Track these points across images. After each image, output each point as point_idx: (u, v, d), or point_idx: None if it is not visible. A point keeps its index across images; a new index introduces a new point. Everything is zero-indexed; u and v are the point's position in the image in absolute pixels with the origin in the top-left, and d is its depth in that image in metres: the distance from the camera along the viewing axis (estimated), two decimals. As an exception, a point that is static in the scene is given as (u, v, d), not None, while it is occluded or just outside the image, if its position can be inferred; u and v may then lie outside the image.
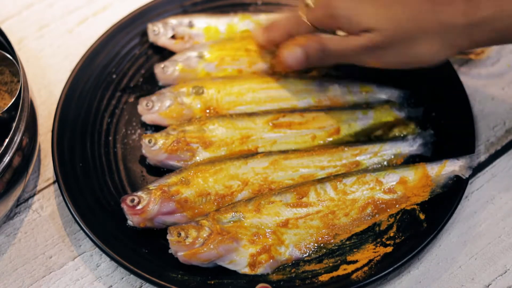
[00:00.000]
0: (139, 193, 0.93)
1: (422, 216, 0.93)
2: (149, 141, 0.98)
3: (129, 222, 0.93)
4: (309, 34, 0.98)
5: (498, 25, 0.88)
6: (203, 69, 1.07)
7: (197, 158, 0.98)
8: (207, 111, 1.03)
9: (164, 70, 1.06)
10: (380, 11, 0.91)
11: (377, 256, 0.90)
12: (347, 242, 0.92)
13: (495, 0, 0.88)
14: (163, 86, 1.07)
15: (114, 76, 1.08)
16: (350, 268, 0.89)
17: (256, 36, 1.06)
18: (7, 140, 0.90)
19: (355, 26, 0.93)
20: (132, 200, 0.92)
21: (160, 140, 0.98)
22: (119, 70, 1.09)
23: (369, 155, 0.99)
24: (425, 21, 0.90)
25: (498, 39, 0.91)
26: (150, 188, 0.94)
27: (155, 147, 0.98)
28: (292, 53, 0.99)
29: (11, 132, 0.90)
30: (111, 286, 0.93)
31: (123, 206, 0.93)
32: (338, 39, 0.96)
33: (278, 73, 1.06)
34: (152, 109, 1.02)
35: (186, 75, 1.06)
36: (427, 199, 0.94)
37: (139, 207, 0.92)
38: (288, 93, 1.04)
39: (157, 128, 1.03)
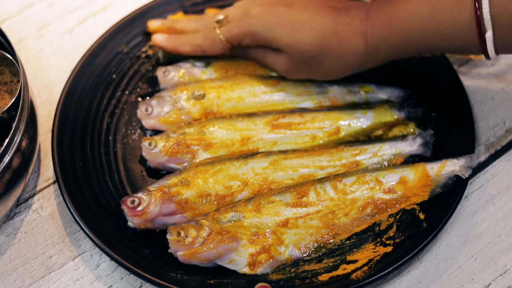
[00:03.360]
0: (139, 195, 0.93)
1: (422, 216, 0.93)
2: (149, 144, 0.98)
3: (130, 224, 0.93)
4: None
5: (393, 42, 0.94)
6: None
7: (198, 160, 0.98)
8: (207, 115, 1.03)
9: (165, 74, 1.06)
10: (290, 35, 0.96)
11: (377, 256, 0.90)
12: (347, 242, 0.92)
13: (388, 19, 0.93)
14: (164, 89, 1.07)
15: (114, 76, 1.09)
16: (350, 267, 0.89)
17: (159, 41, 1.07)
18: (7, 140, 0.90)
19: (269, 45, 0.99)
20: (133, 202, 0.92)
21: (160, 142, 0.98)
22: (119, 70, 1.09)
23: (369, 155, 0.98)
24: (328, 44, 0.95)
25: (396, 54, 0.96)
26: (150, 189, 0.94)
27: (155, 150, 0.98)
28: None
29: (11, 132, 0.90)
30: (111, 286, 0.93)
31: (123, 207, 0.93)
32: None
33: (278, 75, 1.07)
34: (151, 114, 1.02)
35: (186, 83, 1.06)
36: (427, 199, 0.94)
37: (139, 208, 0.92)
38: (288, 96, 1.04)
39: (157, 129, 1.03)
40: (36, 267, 0.95)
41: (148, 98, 1.05)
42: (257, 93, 1.04)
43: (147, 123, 1.03)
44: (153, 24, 1.09)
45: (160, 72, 1.07)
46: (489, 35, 0.88)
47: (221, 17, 1.02)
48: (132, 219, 0.93)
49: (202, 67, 1.07)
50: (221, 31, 1.01)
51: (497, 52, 0.90)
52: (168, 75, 1.06)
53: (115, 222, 0.94)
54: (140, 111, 1.03)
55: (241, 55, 1.05)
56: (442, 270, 0.93)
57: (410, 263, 0.93)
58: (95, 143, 1.02)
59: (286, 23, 0.96)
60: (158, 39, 1.07)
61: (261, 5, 0.99)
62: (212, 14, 1.08)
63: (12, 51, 0.98)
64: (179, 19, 1.10)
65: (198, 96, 1.03)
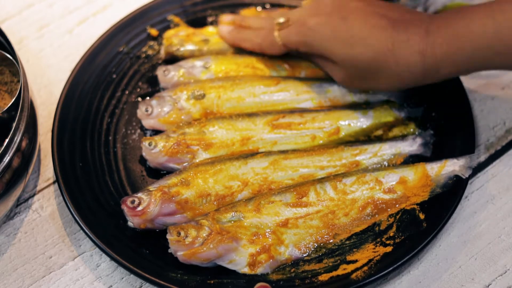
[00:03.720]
0: (139, 195, 0.93)
1: (422, 216, 0.93)
2: (149, 144, 0.98)
3: (130, 224, 0.93)
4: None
5: (455, 61, 0.92)
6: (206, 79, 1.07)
7: (198, 160, 0.98)
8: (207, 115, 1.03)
9: (165, 73, 1.06)
10: (345, 51, 0.95)
11: (377, 256, 0.90)
12: (347, 242, 0.92)
13: (450, 38, 0.91)
14: (164, 88, 1.07)
15: (114, 76, 1.09)
16: (350, 267, 0.89)
17: (224, 32, 1.09)
18: (7, 140, 0.90)
19: (324, 56, 0.99)
20: (133, 202, 0.92)
21: (160, 142, 0.98)
22: (119, 70, 1.09)
23: (369, 155, 0.98)
24: (383, 62, 0.94)
25: (458, 72, 0.94)
26: (151, 189, 0.94)
27: (155, 150, 0.98)
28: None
29: (11, 132, 0.90)
30: (111, 286, 0.93)
31: (124, 207, 0.93)
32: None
33: (278, 75, 1.07)
34: (151, 114, 1.02)
35: (186, 82, 1.06)
36: (427, 199, 0.94)
37: (139, 208, 0.92)
38: (288, 96, 1.04)
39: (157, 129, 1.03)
40: (36, 267, 0.95)
41: (148, 98, 1.05)
42: (257, 93, 1.04)
43: (147, 123, 1.03)
44: (225, 19, 1.10)
45: (160, 71, 1.07)
46: None
47: (282, 20, 1.02)
48: (132, 219, 0.93)
49: (202, 67, 1.07)
50: (280, 34, 1.02)
51: None
52: (168, 74, 1.06)
53: (115, 222, 0.94)
54: (140, 111, 1.03)
55: (303, 56, 1.05)
56: (442, 270, 0.93)
57: (410, 263, 0.93)
58: (95, 143, 1.02)
59: (341, 37, 0.95)
60: (224, 30, 1.09)
61: (318, 15, 0.97)
62: (279, 13, 1.07)
63: (12, 51, 0.98)
64: (248, 16, 1.11)
65: (198, 96, 1.03)
